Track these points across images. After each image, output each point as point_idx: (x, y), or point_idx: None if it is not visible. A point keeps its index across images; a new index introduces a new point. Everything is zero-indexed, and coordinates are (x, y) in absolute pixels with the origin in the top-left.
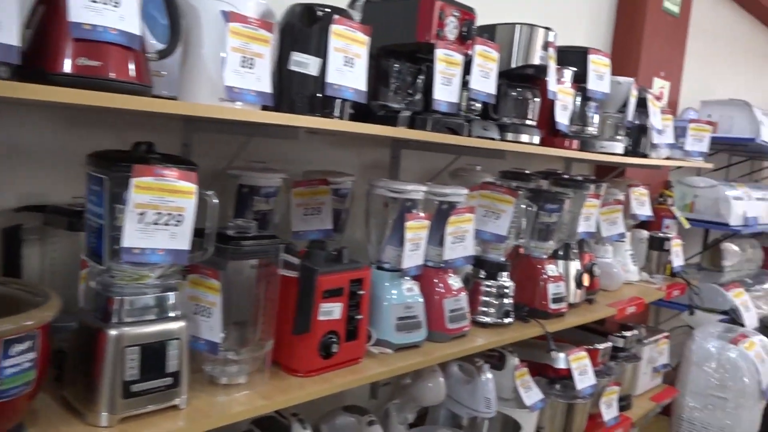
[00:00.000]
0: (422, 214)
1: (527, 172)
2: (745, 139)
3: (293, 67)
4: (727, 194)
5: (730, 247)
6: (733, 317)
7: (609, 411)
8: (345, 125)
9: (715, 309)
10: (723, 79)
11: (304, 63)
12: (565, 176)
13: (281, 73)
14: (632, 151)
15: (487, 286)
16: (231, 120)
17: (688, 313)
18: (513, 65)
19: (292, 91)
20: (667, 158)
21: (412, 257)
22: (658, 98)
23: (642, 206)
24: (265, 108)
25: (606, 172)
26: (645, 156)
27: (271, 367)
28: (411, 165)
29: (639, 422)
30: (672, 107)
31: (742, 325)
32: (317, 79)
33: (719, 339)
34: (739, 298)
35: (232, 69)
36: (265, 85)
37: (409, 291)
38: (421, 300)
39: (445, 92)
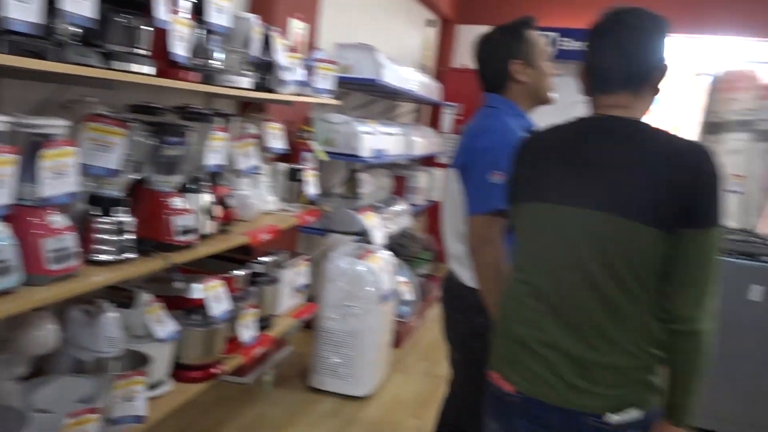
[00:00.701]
0: (6, 147)
1: (157, 105)
2: (368, 79)
3: None
4: (359, 130)
5: (365, 176)
6: (364, 237)
7: (247, 332)
8: None
9: (349, 231)
10: (361, 26)
11: None
12: (192, 110)
13: None
14: (261, 86)
15: (103, 222)
16: None
17: (324, 236)
18: None
19: None
20: (298, 95)
21: None
22: (284, 36)
23: (276, 140)
24: None
25: (249, 109)
26: (272, 91)
27: None
28: (15, 96)
29: (286, 338)
30: (311, 48)
31: (372, 244)
32: None
33: (350, 256)
34: (369, 220)
35: None
36: None
37: None
38: (9, 242)
39: (21, 10)
